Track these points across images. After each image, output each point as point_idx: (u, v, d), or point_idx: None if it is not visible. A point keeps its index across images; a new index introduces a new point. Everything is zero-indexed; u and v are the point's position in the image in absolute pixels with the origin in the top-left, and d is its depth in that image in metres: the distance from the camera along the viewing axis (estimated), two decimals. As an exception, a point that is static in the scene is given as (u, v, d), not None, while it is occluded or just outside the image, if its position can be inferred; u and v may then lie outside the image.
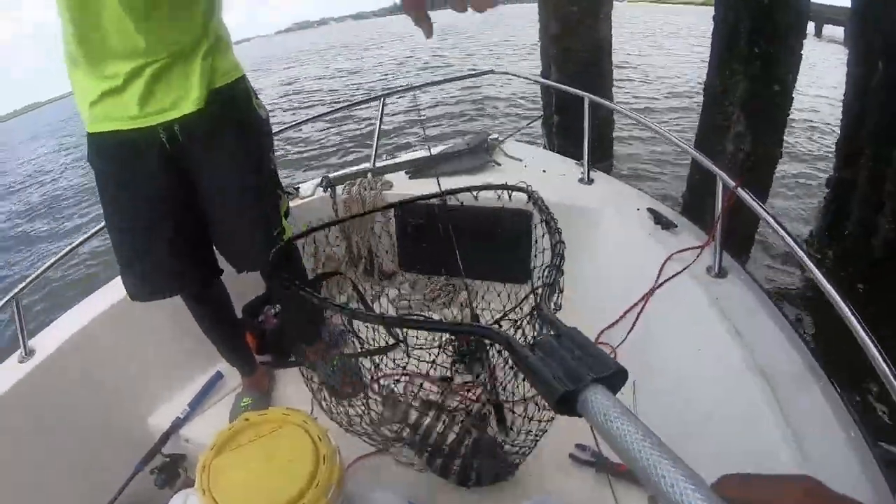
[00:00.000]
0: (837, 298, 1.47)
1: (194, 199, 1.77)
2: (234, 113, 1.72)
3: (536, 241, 2.02)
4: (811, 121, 9.38)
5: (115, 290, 2.31)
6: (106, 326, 2.21)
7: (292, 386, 2.33)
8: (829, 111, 9.03)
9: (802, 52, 4.04)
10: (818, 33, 21.96)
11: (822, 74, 12.15)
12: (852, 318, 1.42)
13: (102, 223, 2.38)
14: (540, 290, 1.28)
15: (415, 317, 2.06)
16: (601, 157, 5.27)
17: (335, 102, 14.68)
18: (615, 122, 6.61)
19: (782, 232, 1.74)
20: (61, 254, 2.32)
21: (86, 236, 2.39)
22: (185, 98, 1.59)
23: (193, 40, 1.58)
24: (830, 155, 5.93)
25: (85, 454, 2.02)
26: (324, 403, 1.72)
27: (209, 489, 1.20)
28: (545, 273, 1.36)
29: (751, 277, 1.96)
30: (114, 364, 2.22)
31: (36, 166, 18.34)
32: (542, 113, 6.89)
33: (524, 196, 2.58)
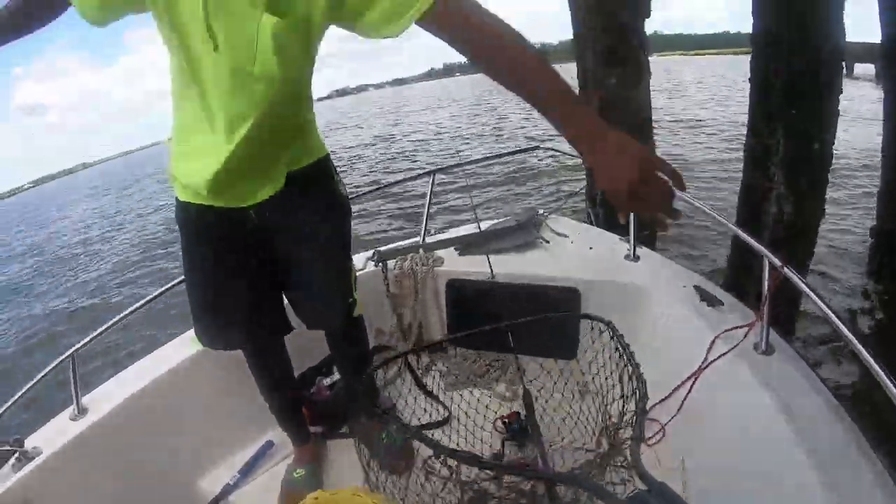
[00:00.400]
0: (886, 380, 1.45)
1: (272, 263, 1.90)
2: (318, 190, 1.85)
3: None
4: (848, 167, 9.26)
5: (171, 354, 2.40)
6: (160, 389, 2.27)
7: (344, 458, 2.35)
8: (867, 155, 8.92)
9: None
10: (849, 73, 21.52)
11: (856, 117, 12.04)
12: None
13: (161, 288, 2.51)
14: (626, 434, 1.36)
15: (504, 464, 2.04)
16: (644, 227, 5.29)
17: (381, 172, 14.94)
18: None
19: (831, 315, 1.74)
20: (122, 315, 2.39)
21: (145, 300, 2.49)
22: (276, 179, 1.70)
23: (293, 123, 1.70)
24: (870, 203, 5.85)
25: None
26: (372, 475, 1.75)
27: None
28: (631, 419, 1.43)
29: (797, 354, 1.96)
30: (166, 427, 2.27)
31: (93, 224, 19.06)
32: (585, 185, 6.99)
33: (572, 272, 2.65)
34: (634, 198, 1.16)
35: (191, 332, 2.49)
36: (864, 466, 1.44)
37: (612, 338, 1.82)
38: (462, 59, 1.38)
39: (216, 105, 1.48)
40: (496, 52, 1.24)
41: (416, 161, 16.65)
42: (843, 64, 4.26)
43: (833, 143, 4.14)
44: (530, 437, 2.09)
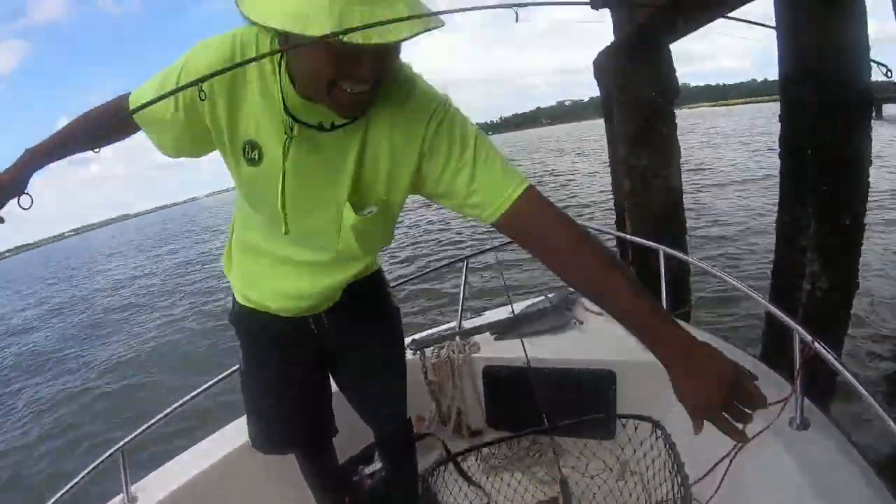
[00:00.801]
0: None
1: (332, 374, 2.04)
2: (375, 297, 1.95)
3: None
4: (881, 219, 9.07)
5: (218, 447, 2.48)
6: (208, 481, 2.33)
7: None
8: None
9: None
10: (878, 114, 21.06)
11: (886, 163, 11.78)
12: None
13: (211, 381, 2.61)
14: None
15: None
16: (678, 305, 5.27)
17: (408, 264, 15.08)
18: (691, 268, 6.65)
19: (862, 391, 1.75)
20: (171, 408, 2.46)
21: (194, 394, 2.56)
22: (334, 294, 1.79)
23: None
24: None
25: None
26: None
27: None
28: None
29: (835, 426, 1.94)
30: None
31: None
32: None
33: (607, 354, 2.68)
34: (719, 416, 1.19)
35: (235, 423, 2.58)
36: None
37: (657, 438, 1.83)
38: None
39: (292, 247, 1.60)
40: (593, 265, 1.26)
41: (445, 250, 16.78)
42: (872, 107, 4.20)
43: (865, 213, 4.11)
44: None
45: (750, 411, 1.21)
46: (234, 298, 1.88)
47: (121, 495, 2.20)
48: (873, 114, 4.19)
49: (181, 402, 2.53)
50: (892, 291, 6.65)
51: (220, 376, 2.62)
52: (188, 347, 11.19)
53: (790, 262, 4.39)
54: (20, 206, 1.41)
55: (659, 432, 1.83)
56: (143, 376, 9.90)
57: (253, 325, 1.87)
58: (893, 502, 1.57)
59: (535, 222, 1.29)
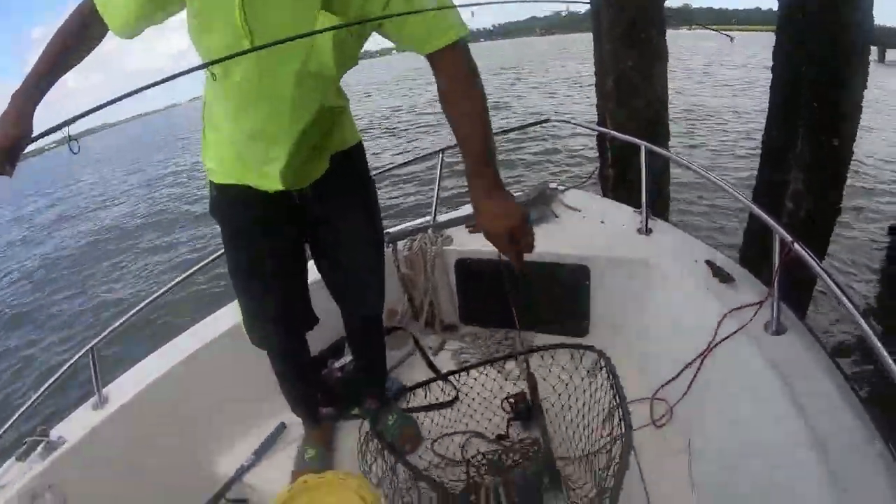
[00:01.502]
0: (893, 368, 1.41)
1: (315, 252, 2.00)
2: (356, 172, 1.92)
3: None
4: (869, 161, 9.01)
5: (186, 342, 2.44)
6: (176, 378, 2.31)
7: (354, 439, 2.37)
8: (888, 152, 8.67)
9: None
10: (881, 58, 20.71)
11: (883, 107, 11.64)
12: None
13: (182, 275, 2.55)
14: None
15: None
16: (659, 208, 5.20)
17: (389, 155, 14.80)
18: (671, 174, 6.52)
19: (839, 293, 1.70)
20: (141, 305, 2.43)
21: (165, 288, 2.52)
22: (317, 164, 1.75)
23: (335, 108, 1.73)
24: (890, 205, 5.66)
25: (154, 499, 2.10)
26: (369, 457, 1.75)
27: None
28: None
29: (810, 334, 1.90)
30: (183, 413, 2.31)
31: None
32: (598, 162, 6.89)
33: (583, 248, 2.62)
34: (503, 245, 1.55)
35: (206, 321, 2.56)
36: (870, 455, 1.40)
37: (601, 368, 1.83)
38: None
39: (266, 96, 1.51)
40: (468, 117, 1.51)
41: (421, 141, 16.36)
42: (874, 49, 4.09)
43: (854, 140, 4.00)
44: (535, 418, 2.07)
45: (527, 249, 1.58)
46: (211, 186, 1.80)
47: (93, 398, 2.17)
48: (875, 57, 4.06)
49: (149, 300, 2.49)
50: (872, 225, 6.64)
51: (184, 275, 2.56)
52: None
53: (774, 179, 4.31)
54: (71, 150, 1.34)
55: (603, 362, 1.80)
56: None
57: (233, 208, 1.80)
58: (863, 412, 1.55)
59: (449, 71, 1.50)
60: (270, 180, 1.67)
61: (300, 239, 1.93)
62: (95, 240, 13.49)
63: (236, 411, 2.45)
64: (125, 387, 2.23)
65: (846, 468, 1.38)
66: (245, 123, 1.56)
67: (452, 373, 2.10)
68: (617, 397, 1.63)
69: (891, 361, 1.40)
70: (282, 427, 2.48)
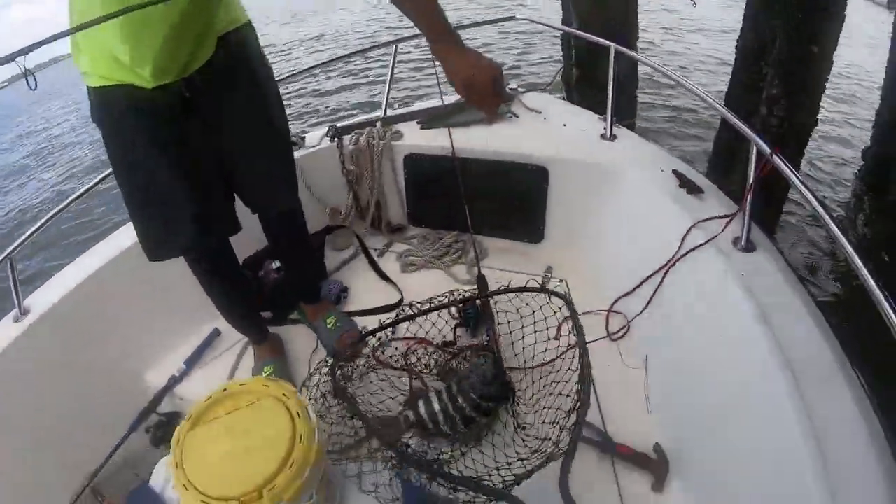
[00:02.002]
0: (871, 282, 1.31)
1: (214, 147, 1.70)
2: (248, 54, 1.69)
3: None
4: (848, 84, 8.88)
5: (108, 248, 2.23)
6: (100, 284, 2.12)
7: (303, 343, 2.27)
8: (868, 77, 8.55)
9: (846, 12, 3.74)
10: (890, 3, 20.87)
11: (862, 37, 11.54)
12: (886, 305, 1.25)
13: (96, 178, 2.31)
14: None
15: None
16: (624, 116, 5.04)
17: (344, 47, 14.15)
18: (639, 81, 6.33)
19: (818, 205, 1.57)
20: (55, 211, 2.21)
21: (78, 193, 2.31)
22: (208, 46, 1.53)
23: None
24: (866, 125, 5.57)
25: (81, 413, 1.97)
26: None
27: (182, 464, 1.12)
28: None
29: (780, 254, 1.80)
30: (109, 322, 2.14)
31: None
32: (562, 64, 6.65)
33: (542, 150, 2.44)
34: (486, 91, 1.43)
35: (129, 225, 2.28)
36: (842, 385, 1.32)
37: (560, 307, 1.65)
38: None
39: None
40: None
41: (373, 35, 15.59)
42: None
43: (835, 49, 3.83)
44: (484, 323, 1.94)
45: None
46: (89, 91, 1.54)
47: (13, 310, 1.99)
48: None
49: (66, 202, 2.25)
50: (845, 145, 6.51)
51: (97, 179, 2.32)
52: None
53: (748, 82, 4.15)
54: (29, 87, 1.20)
55: (560, 302, 1.65)
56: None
57: (117, 109, 1.53)
58: (832, 334, 1.46)
59: None
60: (148, 73, 1.43)
61: (203, 133, 1.66)
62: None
63: (166, 319, 2.30)
64: (46, 297, 2.05)
65: (814, 387, 1.30)
66: (112, 6, 1.28)
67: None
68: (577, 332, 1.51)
69: (871, 280, 1.31)
70: (215, 333, 2.33)
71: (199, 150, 1.65)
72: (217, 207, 1.77)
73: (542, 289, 1.71)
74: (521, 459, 1.39)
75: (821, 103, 4.06)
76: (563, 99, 5.64)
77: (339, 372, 1.73)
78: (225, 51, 1.57)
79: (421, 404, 1.63)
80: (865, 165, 5.03)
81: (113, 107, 1.54)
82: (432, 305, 1.80)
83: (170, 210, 1.66)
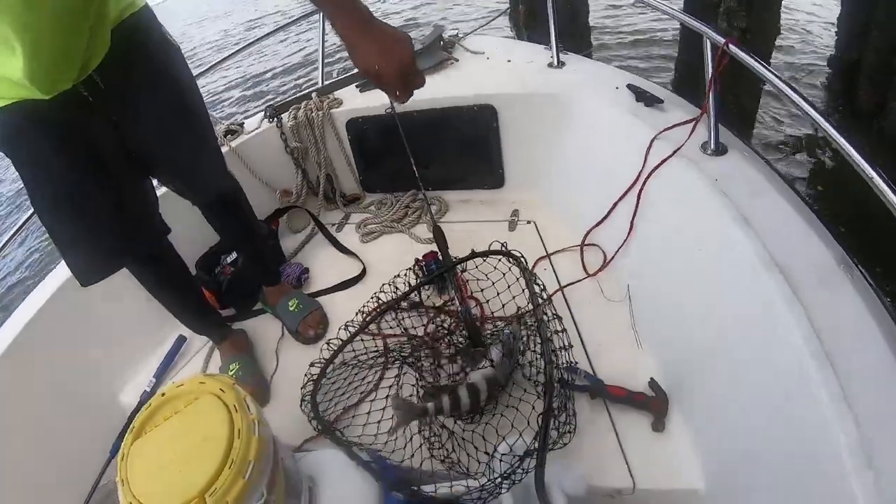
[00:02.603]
0: (855, 155, 1.18)
1: (129, 147, 1.58)
2: (147, 39, 1.54)
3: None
4: None
5: (55, 279, 2.09)
6: (57, 313, 2.00)
7: (270, 334, 2.15)
8: None
9: None
10: None
11: None
12: (882, 183, 1.11)
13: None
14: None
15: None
16: (578, 48, 4.89)
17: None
18: (589, 7, 6.12)
19: (783, 85, 1.42)
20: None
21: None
22: (97, 45, 1.36)
23: None
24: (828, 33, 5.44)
25: (59, 445, 1.85)
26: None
27: (127, 479, 1.00)
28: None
29: (756, 153, 1.67)
30: (73, 350, 2.02)
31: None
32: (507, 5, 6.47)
33: (487, 89, 2.31)
34: (392, 79, 1.24)
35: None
36: (844, 280, 1.20)
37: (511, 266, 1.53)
38: None
39: None
40: None
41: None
42: None
43: None
44: (447, 278, 1.82)
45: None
46: None
47: None
48: None
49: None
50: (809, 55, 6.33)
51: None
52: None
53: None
54: None
55: (511, 261, 1.58)
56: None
57: (17, 128, 1.39)
58: (821, 226, 1.33)
59: None
60: (42, 85, 1.28)
61: (115, 134, 1.54)
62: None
63: (129, 336, 2.18)
64: (6, 336, 1.92)
65: (812, 289, 1.19)
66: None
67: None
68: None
69: (855, 152, 1.18)
70: (181, 340, 2.20)
71: (112, 155, 1.53)
72: (138, 215, 1.66)
73: (503, 251, 1.60)
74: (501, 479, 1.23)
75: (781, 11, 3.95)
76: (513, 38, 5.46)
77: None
78: (122, 41, 1.42)
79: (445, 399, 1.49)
80: (832, 73, 4.93)
81: (12, 127, 1.39)
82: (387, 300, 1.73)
83: (87, 228, 1.55)
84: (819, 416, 1.00)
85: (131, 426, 1.11)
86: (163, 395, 1.15)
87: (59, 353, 1.98)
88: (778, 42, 4.58)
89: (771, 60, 4.22)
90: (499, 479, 1.18)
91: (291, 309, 2.09)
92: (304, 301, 2.12)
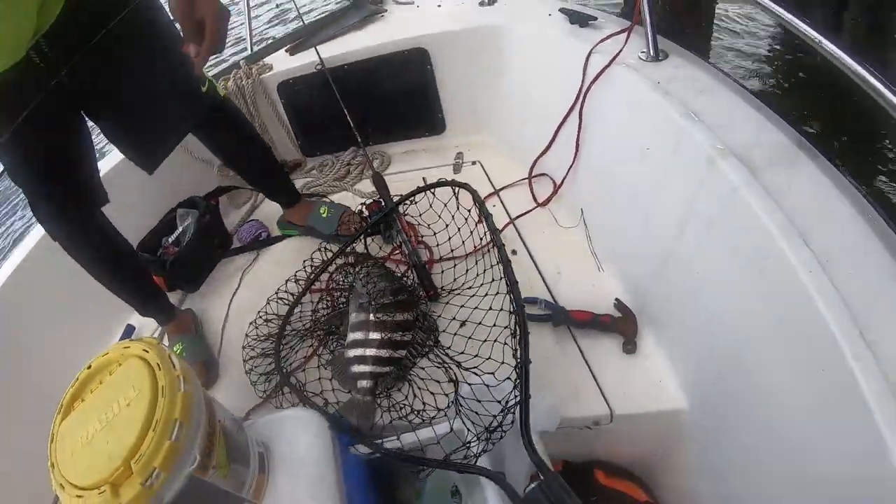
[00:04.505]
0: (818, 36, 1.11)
1: (93, 107, 1.57)
2: None
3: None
4: None
5: None
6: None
7: (218, 309, 2.07)
8: None
9: None
10: None
11: None
12: (842, 54, 1.05)
13: None
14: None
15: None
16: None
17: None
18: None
19: None
20: None
21: None
22: (48, 5, 1.29)
23: None
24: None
25: (10, 447, 1.77)
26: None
27: (56, 461, 0.94)
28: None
29: (697, 56, 1.61)
30: (20, 342, 1.94)
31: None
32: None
33: (416, 33, 2.23)
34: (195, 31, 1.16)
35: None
36: (806, 161, 1.14)
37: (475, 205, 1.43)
38: None
39: None
40: None
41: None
42: None
43: None
44: (391, 225, 1.75)
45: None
46: None
47: None
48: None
49: None
50: None
51: None
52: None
53: None
54: None
55: (456, 191, 1.51)
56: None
57: None
58: (773, 115, 1.28)
59: None
60: None
61: (77, 97, 1.50)
62: None
63: (75, 327, 2.07)
64: None
65: (772, 171, 1.14)
66: None
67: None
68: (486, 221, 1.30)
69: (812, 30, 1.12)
70: (130, 329, 2.13)
71: (64, 120, 1.51)
72: (82, 175, 1.61)
73: (432, 186, 1.53)
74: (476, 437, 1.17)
75: None
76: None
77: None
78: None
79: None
80: None
81: None
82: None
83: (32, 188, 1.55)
84: (801, 298, 0.94)
85: (59, 405, 1.04)
86: (89, 367, 1.08)
87: (6, 347, 1.89)
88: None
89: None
90: (485, 436, 1.11)
91: (324, 216, 2.07)
92: (332, 206, 2.11)
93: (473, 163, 2.23)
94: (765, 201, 1.07)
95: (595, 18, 1.88)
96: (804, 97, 3.51)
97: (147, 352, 1.00)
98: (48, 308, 2.00)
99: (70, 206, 1.60)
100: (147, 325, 2.09)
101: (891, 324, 0.86)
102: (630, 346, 1.48)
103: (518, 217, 1.91)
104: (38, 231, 2.03)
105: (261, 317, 1.70)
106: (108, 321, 2.12)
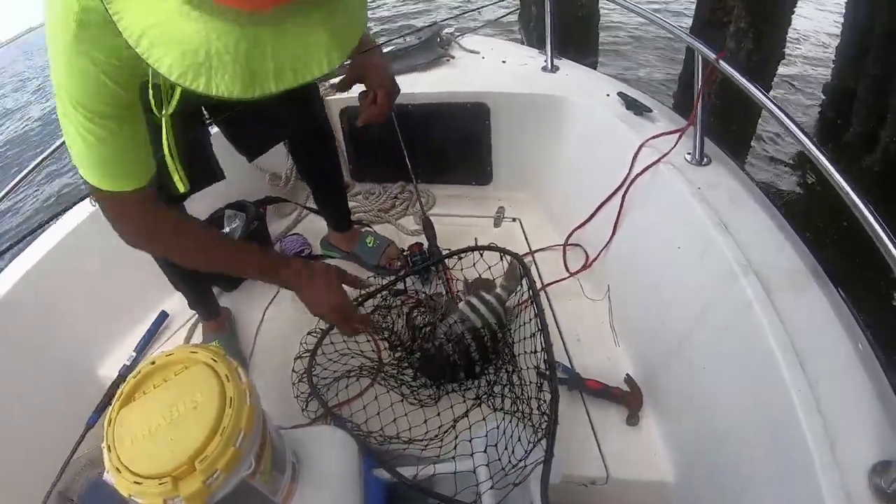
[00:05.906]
0: (842, 182, 1.18)
1: None
2: None
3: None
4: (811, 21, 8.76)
5: (38, 248, 2.06)
6: (38, 281, 1.98)
7: (255, 307, 2.16)
8: (831, 15, 8.49)
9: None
10: None
11: None
12: (863, 208, 1.12)
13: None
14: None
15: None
16: (585, 54, 4.89)
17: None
18: (600, 16, 6.13)
19: (770, 104, 1.46)
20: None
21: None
22: None
23: None
24: (828, 59, 5.49)
25: (38, 415, 1.84)
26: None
27: (114, 446, 1.01)
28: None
29: (738, 166, 1.72)
30: (53, 319, 2.01)
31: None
32: (518, 5, 6.42)
33: (480, 87, 2.34)
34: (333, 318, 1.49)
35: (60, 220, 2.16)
36: (816, 289, 1.25)
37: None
38: None
39: None
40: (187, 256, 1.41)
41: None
42: None
43: None
44: (433, 270, 1.86)
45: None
46: None
47: None
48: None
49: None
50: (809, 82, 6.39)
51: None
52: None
53: (714, 20, 4.05)
54: None
55: (503, 258, 1.70)
56: None
57: None
58: (797, 239, 1.39)
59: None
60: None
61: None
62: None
63: (112, 309, 2.16)
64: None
65: (785, 293, 1.24)
66: None
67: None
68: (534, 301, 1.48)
69: (831, 166, 1.21)
70: (163, 316, 2.19)
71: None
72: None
73: (498, 248, 1.70)
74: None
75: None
76: (523, 43, 5.47)
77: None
78: None
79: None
80: (826, 99, 5.01)
81: None
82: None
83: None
84: (787, 410, 1.06)
85: (119, 392, 1.11)
86: (153, 363, 1.16)
87: (40, 321, 1.97)
88: (780, 70, 4.70)
89: (772, 83, 4.29)
90: (510, 487, 1.24)
91: (370, 246, 2.18)
92: (378, 237, 2.22)
93: (514, 220, 2.33)
94: (773, 320, 1.18)
95: (650, 111, 1.99)
96: (822, 215, 3.64)
97: (215, 361, 1.10)
98: (89, 287, 2.09)
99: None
100: (180, 314, 2.18)
101: (860, 439, 0.99)
102: (633, 420, 1.59)
103: (550, 284, 2.02)
104: (81, 211, 2.13)
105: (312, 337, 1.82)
106: (144, 305, 2.21)
